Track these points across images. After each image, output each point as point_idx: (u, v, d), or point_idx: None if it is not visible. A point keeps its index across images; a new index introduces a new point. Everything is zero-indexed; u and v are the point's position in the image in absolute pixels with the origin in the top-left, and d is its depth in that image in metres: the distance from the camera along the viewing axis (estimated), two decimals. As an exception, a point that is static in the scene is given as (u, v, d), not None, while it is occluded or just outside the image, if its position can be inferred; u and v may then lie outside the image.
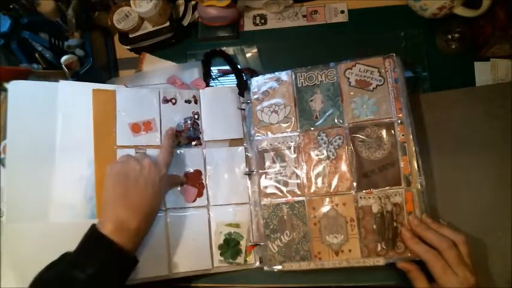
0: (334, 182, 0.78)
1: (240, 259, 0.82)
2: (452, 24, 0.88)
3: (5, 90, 0.80)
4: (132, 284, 0.78)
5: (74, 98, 0.82)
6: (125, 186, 0.71)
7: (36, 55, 0.90)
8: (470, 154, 0.81)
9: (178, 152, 0.86)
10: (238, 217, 0.85)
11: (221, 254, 0.82)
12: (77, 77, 0.89)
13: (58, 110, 0.81)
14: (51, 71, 0.89)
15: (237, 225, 0.84)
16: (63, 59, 0.87)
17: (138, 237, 0.70)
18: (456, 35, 0.88)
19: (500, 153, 0.80)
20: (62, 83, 0.82)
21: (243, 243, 0.83)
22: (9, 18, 0.89)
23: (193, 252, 0.82)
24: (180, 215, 0.83)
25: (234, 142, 0.89)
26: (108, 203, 0.71)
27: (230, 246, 0.83)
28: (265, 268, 0.80)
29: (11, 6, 0.89)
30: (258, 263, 0.83)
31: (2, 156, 0.78)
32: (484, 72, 0.88)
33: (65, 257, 0.67)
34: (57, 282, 0.63)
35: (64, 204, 0.78)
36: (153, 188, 0.72)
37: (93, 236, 0.67)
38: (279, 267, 0.79)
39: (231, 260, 0.82)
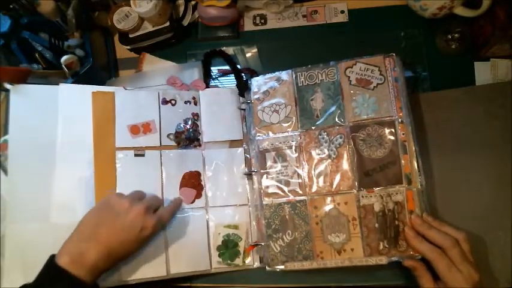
0: (336, 181, 0.78)
1: (238, 260, 0.82)
2: (452, 24, 0.89)
3: (5, 90, 0.80)
4: (131, 284, 0.78)
5: (74, 100, 0.83)
6: (102, 218, 0.71)
7: (36, 55, 0.90)
8: (470, 154, 0.81)
9: (177, 153, 0.86)
10: (237, 218, 0.85)
11: (219, 256, 0.82)
12: (77, 77, 0.89)
13: (58, 112, 0.82)
14: (51, 71, 0.89)
15: (236, 227, 0.84)
16: (63, 59, 0.87)
17: (96, 271, 0.67)
18: (456, 35, 0.89)
19: (500, 153, 0.80)
20: (62, 86, 0.83)
21: (241, 245, 0.83)
22: (9, 18, 0.89)
23: (191, 254, 0.82)
24: (179, 216, 0.83)
25: (233, 143, 0.89)
26: (77, 230, 0.70)
27: (229, 247, 0.82)
28: (268, 268, 0.79)
29: (11, 6, 0.89)
30: (257, 263, 0.83)
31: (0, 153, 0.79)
32: (484, 72, 0.88)
33: None
34: None
35: (64, 205, 0.78)
36: (127, 235, 0.70)
37: (51, 268, 0.66)
38: (282, 267, 0.78)
39: (229, 262, 0.82)
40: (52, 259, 0.66)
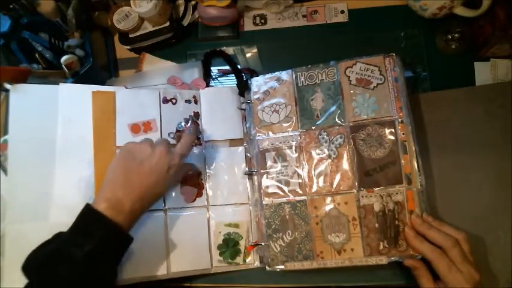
0: (336, 181, 0.78)
1: (239, 259, 0.82)
2: (452, 24, 0.89)
3: (5, 90, 0.80)
4: (131, 284, 0.78)
5: (74, 100, 0.83)
6: (129, 166, 0.70)
7: (36, 55, 0.90)
8: (470, 154, 0.81)
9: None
10: (238, 217, 0.85)
11: (220, 254, 0.82)
12: (77, 77, 0.89)
13: (58, 112, 0.81)
14: (51, 71, 0.89)
15: (236, 226, 0.84)
16: (63, 59, 0.87)
17: (132, 218, 0.68)
18: (456, 35, 0.89)
19: (500, 153, 0.80)
20: (62, 86, 0.83)
21: (242, 243, 0.83)
22: (9, 18, 0.89)
23: (192, 252, 0.82)
24: (180, 215, 0.83)
25: (234, 142, 0.89)
26: (108, 180, 0.70)
27: (229, 246, 0.83)
28: (268, 268, 0.79)
29: (11, 6, 0.89)
30: (257, 263, 0.83)
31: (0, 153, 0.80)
32: (484, 72, 0.88)
33: (59, 235, 0.66)
34: (54, 259, 0.62)
35: (64, 205, 0.78)
36: (157, 176, 0.71)
37: (89, 214, 0.66)
38: (282, 267, 0.78)
39: (230, 260, 0.82)
40: (88, 206, 0.66)
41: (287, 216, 0.80)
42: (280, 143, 0.83)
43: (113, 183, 0.69)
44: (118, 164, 0.71)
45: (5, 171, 0.78)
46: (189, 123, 0.84)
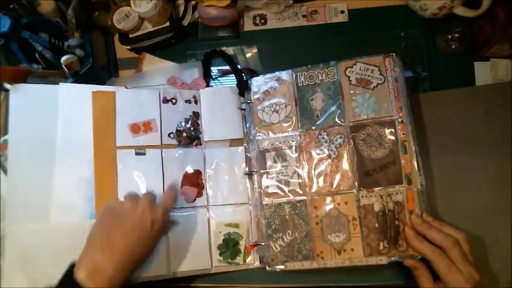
0: (336, 181, 0.78)
1: (239, 259, 0.82)
2: (452, 24, 0.89)
3: (5, 90, 0.80)
4: (131, 284, 0.78)
5: (74, 100, 0.83)
6: (111, 224, 0.69)
7: (36, 55, 0.90)
8: (470, 154, 0.81)
9: (178, 152, 0.86)
10: (238, 217, 0.85)
11: (220, 254, 0.83)
12: (77, 77, 0.89)
13: (58, 112, 0.82)
14: (51, 71, 0.89)
15: (237, 226, 0.84)
16: (63, 59, 0.87)
17: (114, 281, 0.65)
18: (456, 35, 0.89)
19: (500, 153, 0.80)
20: (62, 86, 0.83)
21: (242, 243, 0.83)
22: (9, 18, 0.89)
23: (192, 252, 0.82)
24: (180, 214, 0.83)
25: (234, 142, 0.89)
26: (89, 243, 0.68)
27: (229, 246, 0.83)
28: (268, 268, 0.79)
29: (11, 6, 0.89)
30: (257, 263, 0.83)
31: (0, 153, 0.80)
32: (484, 72, 0.88)
33: None
34: None
35: (64, 205, 0.78)
36: (139, 233, 0.68)
37: (69, 281, 0.64)
38: (282, 266, 0.78)
39: (230, 260, 0.82)
40: (72, 269, 0.64)
41: (287, 216, 0.80)
42: (280, 143, 0.83)
43: (94, 247, 0.67)
44: (99, 225, 0.70)
45: (5, 171, 0.78)
46: (189, 123, 0.84)
